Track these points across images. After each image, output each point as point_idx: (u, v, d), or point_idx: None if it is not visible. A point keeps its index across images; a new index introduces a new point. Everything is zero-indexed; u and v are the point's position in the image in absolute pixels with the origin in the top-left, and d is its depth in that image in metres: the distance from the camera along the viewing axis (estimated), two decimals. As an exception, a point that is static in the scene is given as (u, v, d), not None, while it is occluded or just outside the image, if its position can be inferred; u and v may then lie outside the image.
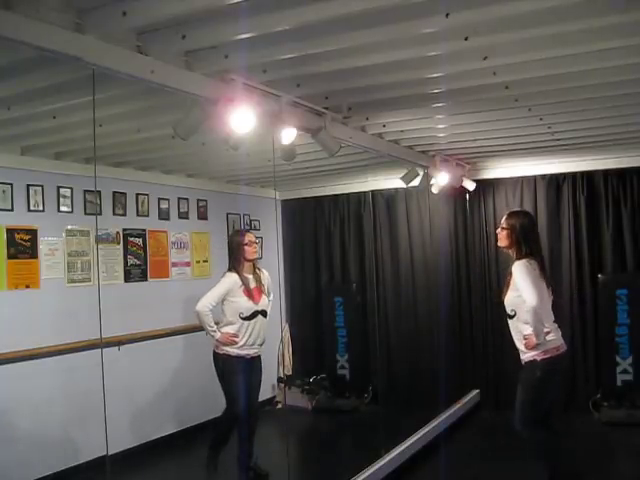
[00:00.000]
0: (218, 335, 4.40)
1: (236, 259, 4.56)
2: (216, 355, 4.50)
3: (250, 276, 4.58)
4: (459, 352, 6.62)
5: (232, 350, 4.44)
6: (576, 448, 4.88)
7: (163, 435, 5.67)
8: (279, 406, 6.91)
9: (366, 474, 4.38)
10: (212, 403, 5.80)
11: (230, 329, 4.44)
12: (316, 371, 7.12)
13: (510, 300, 3.75)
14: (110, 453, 3.62)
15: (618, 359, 5.84)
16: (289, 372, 7.13)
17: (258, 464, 4.67)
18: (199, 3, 2.54)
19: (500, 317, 5.76)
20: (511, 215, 3.95)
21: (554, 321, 3.78)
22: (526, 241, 3.77)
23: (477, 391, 6.51)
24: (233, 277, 4.51)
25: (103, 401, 3.20)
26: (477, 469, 4.77)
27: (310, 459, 5.66)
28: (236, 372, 4.44)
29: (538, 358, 3.67)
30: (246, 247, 4.56)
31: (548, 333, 3.65)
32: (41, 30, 2.41)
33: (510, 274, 3.75)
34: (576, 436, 5.21)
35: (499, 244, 3.98)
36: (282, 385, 6.91)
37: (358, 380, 7.03)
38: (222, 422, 4.71)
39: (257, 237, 6.96)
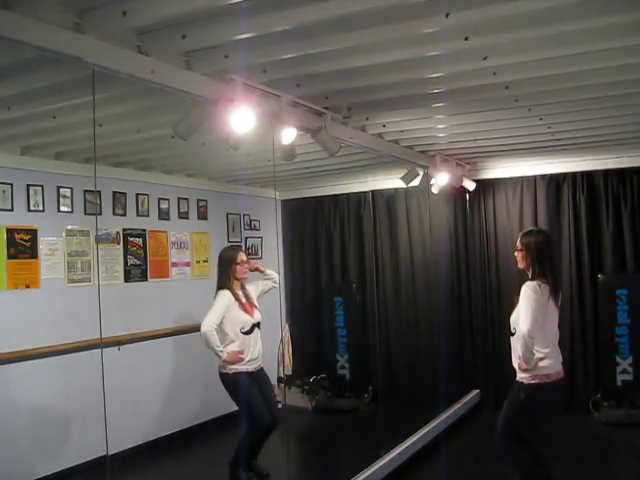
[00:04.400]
0: (225, 355, 4.38)
1: (227, 276, 4.57)
2: (225, 376, 4.45)
3: (240, 292, 4.61)
4: (459, 352, 6.62)
5: (240, 367, 4.44)
6: (576, 448, 4.89)
7: (163, 435, 5.66)
8: (279, 406, 6.89)
9: (366, 474, 4.38)
10: (212, 403, 5.82)
11: (234, 347, 4.44)
12: (316, 371, 7.13)
13: (514, 318, 3.73)
14: (110, 453, 3.62)
15: (618, 359, 5.84)
16: (289, 372, 7.13)
17: (258, 464, 4.67)
18: (199, 3, 2.54)
19: (500, 317, 5.79)
20: (525, 235, 3.89)
21: (557, 344, 3.73)
22: (540, 261, 3.70)
23: (477, 391, 6.51)
24: (227, 294, 4.52)
25: (103, 401, 3.20)
26: (477, 469, 4.77)
27: (310, 459, 5.67)
28: (250, 386, 4.44)
29: (525, 381, 3.66)
30: (238, 266, 4.59)
31: (542, 359, 3.61)
32: (41, 30, 2.41)
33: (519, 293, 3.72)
34: (576, 436, 5.21)
35: (519, 266, 3.88)
36: (282, 385, 6.91)
37: (358, 380, 7.03)
38: (251, 438, 4.52)
39: (257, 237, 7.08)
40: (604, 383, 5.94)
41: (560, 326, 3.79)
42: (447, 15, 2.62)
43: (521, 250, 3.82)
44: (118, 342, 5.16)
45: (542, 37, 2.92)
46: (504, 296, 6.10)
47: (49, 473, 4.70)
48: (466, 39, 2.86)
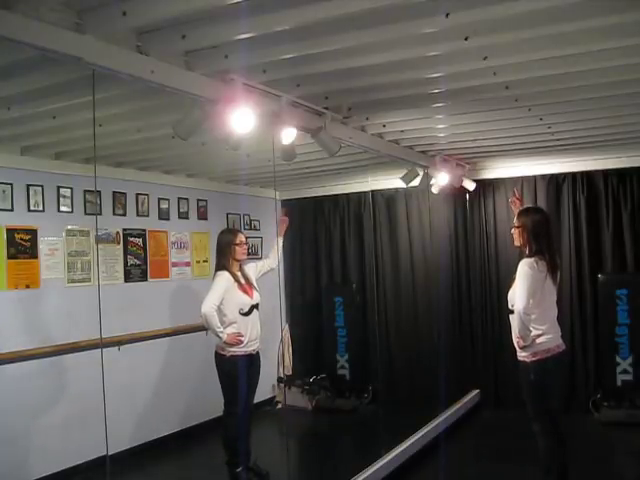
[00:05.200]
0: (225, 337, 4.37)
1: (226, 258, 4.55)
2: (221, 357, 4.45)
3: (239, 273, 4.60)
4: (459, 352, 6.62)
5: (239, 350, 4.43)
6: (576, 448, 4.87)
7: (163, 435, 5.66)
8: (279, 406, 6.91)
9: (366, 474, 4.38)
10: (212, 403, 5.81)
11: (233, 329, 4.43)
12: (316, 371, 7.12)
13: (511, 296, 3.76)
14: (110, 453, 3.61)
15: (618, 359, 5.84)
16: (289, 372, 7.13)
17: (258, 464, 4.67)
18: (199, 3, 2.54)
19: (500, 317, 5.78)
20: (522, 213, 3.91)
21: (555, 320, 3.74)
22: (537, 239, 3.71)
23: (477, 391, 6.51)
24: (226, 275, 4.50)
25: (103, 401, 3.20)
26: (477, 469, 4.77)
27: (310, 459, 5.67)
28: (242, 372, 4.44)
29: (528, 360, 3.67)
30: (237, 247, 4.56)
31: (540, 335, 3.62)
32: (41, 30, 2.41)
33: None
34: (576, 436, 5.20)
35: (515, 243, 3.92)
36: (282, 385, 6.91)
37: (358, 380, 7.03)
38: (230, 422, 4.54)
39: (257, 237, 7.08)
40: (604, 383, 5.94)
41: (559, 318, 3.79)
42: (447, 15, 2.62)
43: (517, 227, 3.84)
44: (118, 342, 5.16)
45: (542, 37, 2.92)
46: (504, 296, 6.11)
47: (49, 473, 4.70)
48: (466, 39, 2.87)
